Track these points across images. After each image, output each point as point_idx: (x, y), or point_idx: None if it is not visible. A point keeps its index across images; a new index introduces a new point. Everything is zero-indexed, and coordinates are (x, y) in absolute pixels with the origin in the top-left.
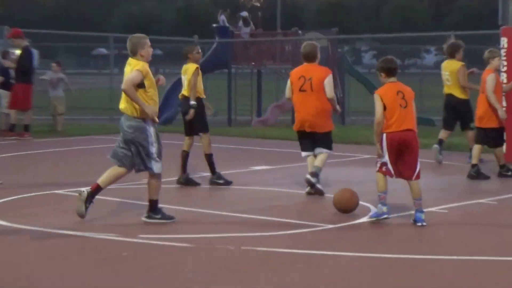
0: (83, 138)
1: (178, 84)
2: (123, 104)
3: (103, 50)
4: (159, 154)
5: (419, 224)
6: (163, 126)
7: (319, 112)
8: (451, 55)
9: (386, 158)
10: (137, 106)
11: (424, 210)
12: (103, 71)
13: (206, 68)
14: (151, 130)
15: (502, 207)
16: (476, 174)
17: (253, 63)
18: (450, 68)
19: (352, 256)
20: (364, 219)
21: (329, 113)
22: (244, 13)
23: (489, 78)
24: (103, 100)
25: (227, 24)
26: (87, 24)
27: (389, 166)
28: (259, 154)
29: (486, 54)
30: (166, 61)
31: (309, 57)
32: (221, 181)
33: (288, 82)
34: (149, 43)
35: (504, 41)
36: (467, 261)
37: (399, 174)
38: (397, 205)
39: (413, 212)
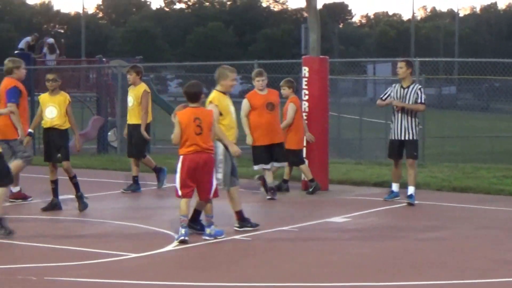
0: None
1: None
2: None
3: None
4: None
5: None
6: None
7: None
8: None
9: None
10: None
11: (230, 238)
12: None
13: None
14: None
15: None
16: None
17: None
18: None
19: (161, 285)
20: (169, 248)
21: None
22: (50, 40)
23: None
24: None
25: (26, 50)
26: None
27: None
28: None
29: (282, 83)
30: None
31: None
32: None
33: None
34: (233, 76)
35: (305, 70)
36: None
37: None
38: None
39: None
